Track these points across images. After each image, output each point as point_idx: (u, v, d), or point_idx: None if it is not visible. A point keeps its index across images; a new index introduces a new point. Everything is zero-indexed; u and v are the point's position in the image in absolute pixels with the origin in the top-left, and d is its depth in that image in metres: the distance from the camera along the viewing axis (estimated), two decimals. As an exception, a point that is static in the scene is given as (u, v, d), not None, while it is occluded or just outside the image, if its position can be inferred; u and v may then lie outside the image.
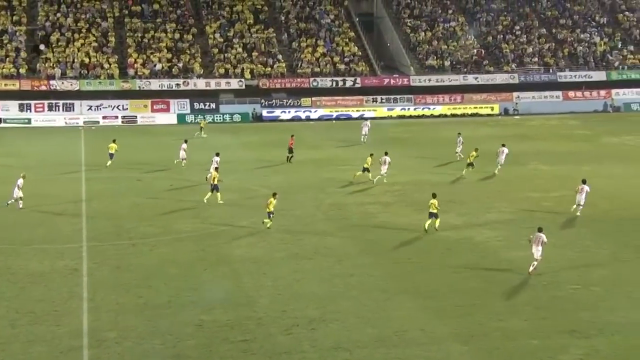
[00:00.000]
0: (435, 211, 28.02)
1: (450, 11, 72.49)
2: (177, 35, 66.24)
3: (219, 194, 31.99)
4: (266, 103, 62.86)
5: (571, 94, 65.24)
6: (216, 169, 33.25)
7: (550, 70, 66.55)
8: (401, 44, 69.17)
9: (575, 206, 30.02)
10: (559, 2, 74.66)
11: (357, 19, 72.18)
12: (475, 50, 68.12)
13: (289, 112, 62.31)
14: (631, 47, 69.67)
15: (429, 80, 65.11)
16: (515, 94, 64.62)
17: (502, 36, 70.01)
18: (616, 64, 67.21)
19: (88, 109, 60.26)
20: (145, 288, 22.12)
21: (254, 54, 65.71)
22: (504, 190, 34.82)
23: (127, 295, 21.51)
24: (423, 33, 69.70)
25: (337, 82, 64.25)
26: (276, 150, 45.47)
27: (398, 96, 64.36)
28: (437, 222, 28.12)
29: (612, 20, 72.98)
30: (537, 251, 23.22)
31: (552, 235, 27.16)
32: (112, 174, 39.01)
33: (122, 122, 60.23)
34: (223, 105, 62.44)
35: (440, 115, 62.98)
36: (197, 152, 41.89)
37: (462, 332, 18.88)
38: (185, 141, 41.66)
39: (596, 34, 70.67)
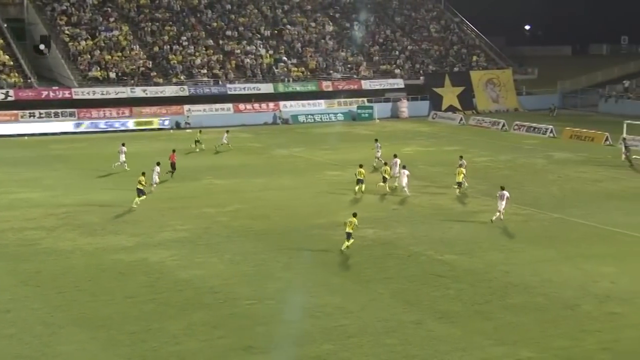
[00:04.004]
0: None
1: (112, 19, 71.62)
2: None
3: (142, 197, 34.37)
4: None
5: (241, 106, 68.11)
6: (143, 173, 35.24)
7: (220, 83, 68.90)
8: (59, 54, 66.71)
9: (496, 215, 31.85)
10: (224, 14, 77.70)
11: (6, 25, 68.09)
12: (141, 61, 68.09)
13: None
14: (294, 60, 74.86)
15: (94, 92, 63.60)
16: (186, 106, 65.73)
17: (169, 47, 70.90)
18: (279, 66, 71.58)
19: None
20: None
21: None
22: (178, 207, 35.20)
23: None
24: (84, 42, 67.96)
25: (-14, 94, 60.02)
26: None
27: (59, 110, 61.94)
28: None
29: (275, 33, 77.78)
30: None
31: (227, 250, 28.24)
32: None
33: None
34: None
35: (106, 131, 61.80)
36: None
37: (137, 361, 18.68)
38: (123, 144, 44.00)
39: (261, 46, 74.78)
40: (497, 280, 24.86)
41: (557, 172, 44.09)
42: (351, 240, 27.90)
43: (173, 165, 41.67)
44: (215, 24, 75.92)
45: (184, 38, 72.18)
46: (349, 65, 76.19)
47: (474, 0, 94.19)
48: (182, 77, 68.06)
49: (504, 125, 64.02)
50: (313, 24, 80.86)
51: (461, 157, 40.62)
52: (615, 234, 30.60)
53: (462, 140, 57.12)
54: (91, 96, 63.44)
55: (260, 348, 19.60)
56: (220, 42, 73.99)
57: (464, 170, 37.93)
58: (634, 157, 47.72)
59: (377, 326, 21.07)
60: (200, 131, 53.67)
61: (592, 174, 43.49)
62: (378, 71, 76.72)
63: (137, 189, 34.60)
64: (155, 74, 67.46)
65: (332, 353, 19.38)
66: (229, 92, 68.32)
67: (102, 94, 63.85)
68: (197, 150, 50.95)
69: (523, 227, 31.83)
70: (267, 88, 70.12)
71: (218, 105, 67.29)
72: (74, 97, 62.97)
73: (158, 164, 38.75)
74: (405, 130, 64.43)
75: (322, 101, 71.48)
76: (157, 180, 38.13)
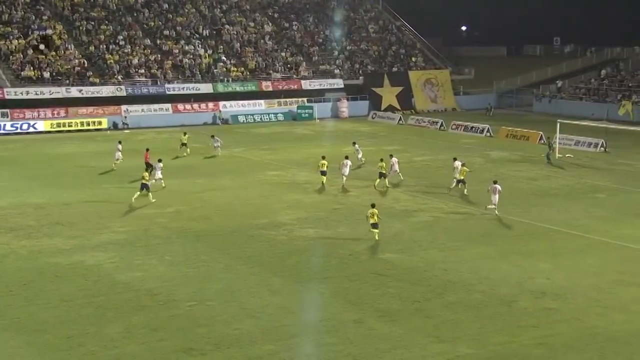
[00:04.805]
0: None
1: (45, 17, 70.17)
2: None
3: (144, 192, 35.49)
4: None
5: (180, 106, 67.49)
6: (146, 169, 36.85)
7: (158, 83, 68.12)
8: (-10, 53, 65.17)
9: (491, 206, 33.52)
10: (161, 13, 76.84)
11: None
12: (77, 61, 66.88)
13: None
14: (233, 60, 74.45)
15: (27, 93, 62.24)
16: (123, 107, 64.85)
17: (105, 46, 69.79)
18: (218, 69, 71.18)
19: None
20: None
21: None
22: (116, 209, 34.72)
23: None
24: (16, 41, 66.41)
25: None
26: None
27: (-9, 110, 60.52)
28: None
29: (214, 33, 77.27)
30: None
31: (167, 251, 27.95)
32: None
33: None
34: None
35: (43, 132, 60.57)
36: None
37: (74, 366, 18.36)
38: (120, 142, 45.76)
39: (200, 46, 74.19)
40: (436, 279, 25.16)
41: (494, 171, 44.81)
42: (376, 231, 29.22)
43: (148, 165, 41.80)
44: (152, 23, 75.03)
45: (120, 37, 71.14)
46: (288, 65, 76.19)
47: (412, 1, 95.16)
48: (119, 77, 67.07)
49: (442, 125, 64.85)
50: (252, 24, 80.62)
51: (455, 158, 40.60)
52: (549, 231, 31.29)
53: (401, 140, 57.66)
54: (24, 96, 62.08)
55: (200, 350, 19.46)
56: (158, 41, 73.15)
57: (466, 169, 38.10)
58: (567, 155, 48.87)
59: (318, 326, 21.12)
60: (185, 133, 51.81)
61: (528, 173, 44.36)
62: (318, 71, 76.90)
63: (142, 183, 35.72)
64: (91, 73, 66.33)
65: (274, 353, 19.36)
66: (167, 92, 67.64)
67: (36, 94, 62.54)
68: (185, 154, 49.50)
69: (461, 225, 32.29)
70: (206, 88, 69.63)
71: (156, 106, 66.56)
72: (7, 97, 61.53)
73: (160, 160, 39.76)
74: (345, 130, 64.72)
75: (262, 101, 71.34)
76: (161, 176, 38.79)
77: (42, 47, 66.30)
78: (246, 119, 69.16)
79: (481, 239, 30.03)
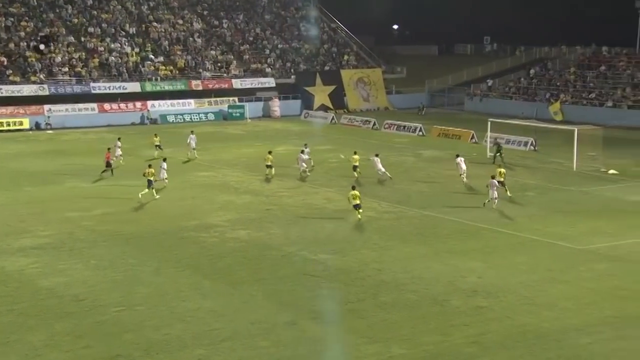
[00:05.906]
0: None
1: (-38, 13, 68.22)
2: None
3: (151, 189, 36.14)
4: None
5: (107, 106, 66.34)
6: (150, 165, 37.05)
7: (83, 82, 66.79)
8: None
9: (488, 200, 34.93)
10: (85, 9, 75.37)
11: None
12: (-4, 58, 65.16)
13: None
14: (162, 58, 73.54)
15: (-57, 91, 60.38)
16: (46, 106, 63.38)
17: (25, 43, 68.09)
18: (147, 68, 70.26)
19: None
20: None
21: None
22: (38, 212, 33.96)
23: None
24: None
25: None
26: None
27: None
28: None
29: (141, 30, 76.17)
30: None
31: (93, 255, 27.45)
32: None
33: None
34: None
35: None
36: None
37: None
38: (119, 139, 46.50)
39: (127, 43, 73.04)
40: (369, 279, 25.32)
41: (427, 170, 45.40)
42: (360, 210, 32.19)
43: (108, 164, 42.22)
44: (76, 20, 73.53)
45: (42, 34, 69.48)
46: (218, 64, 75.67)
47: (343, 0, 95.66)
48: (41, 76, 65.53)
49: (374, 124, 65.34)
50: (180, 21, 79.79)
51: (457, 155, 41.95)
52: (481, 230, 31.82)
53: (334, 139, 57.85)
54: (-61, 95, 60.27)
55: (128, 356, 19.15)
56: (82, 39, 71.74)
57: (504, 171, 38.15)
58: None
59: (250, 329, 21.02)
60: (155, 135, 50.17)
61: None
62: (249, 70, 76.60)
63: (148, 180, 36.21)
64: (11, 72, 64.62)
65: (205, 358, 19.19)
66: (93, 92, 66.39)
67: (-48, 93, 60.72)
68: (156, 156, 47.70)
69: (394, 224, 32.58)
70: (134, 87, 68.59)
71: (81, 105, 65.27)
72: None
73: (164, 159, 39.94)
74: (277, 129, 64.66)
75: (191, 100, 70.71)
76: (165, 176, 39.01)
77: (41, 46, 65.30)
78: (176, 119, 68.42)
79: (414, 239, 30.36)
